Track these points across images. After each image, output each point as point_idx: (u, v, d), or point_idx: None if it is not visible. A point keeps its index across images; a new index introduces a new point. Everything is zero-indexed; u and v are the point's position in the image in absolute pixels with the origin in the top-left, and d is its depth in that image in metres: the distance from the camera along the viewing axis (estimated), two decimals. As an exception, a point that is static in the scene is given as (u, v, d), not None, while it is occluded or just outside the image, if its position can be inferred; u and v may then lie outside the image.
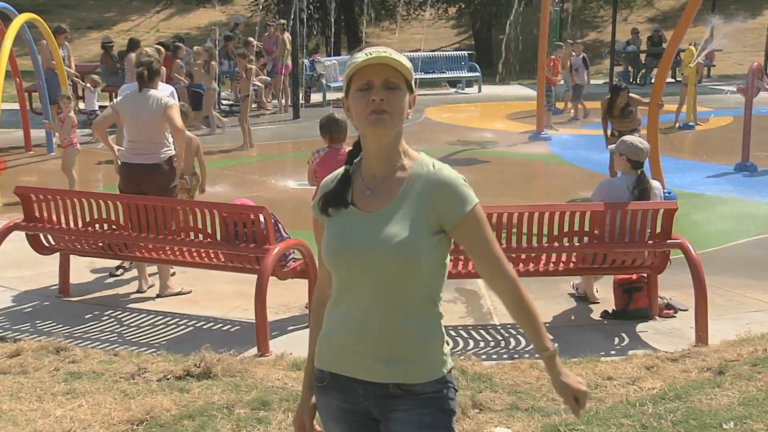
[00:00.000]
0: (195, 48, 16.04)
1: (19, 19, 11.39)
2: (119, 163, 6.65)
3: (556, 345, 2.30)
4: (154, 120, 6.38)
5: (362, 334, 2.23)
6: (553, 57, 15.39)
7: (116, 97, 7.71)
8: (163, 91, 6.65)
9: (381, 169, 2.27)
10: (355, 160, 2.33)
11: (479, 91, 21.04)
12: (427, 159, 2.30)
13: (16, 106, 13.64)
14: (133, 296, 6.54)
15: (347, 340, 2.25)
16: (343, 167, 2.33)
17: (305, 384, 2.44)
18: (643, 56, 23.23)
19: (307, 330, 2.52)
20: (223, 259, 5.93)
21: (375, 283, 2.20)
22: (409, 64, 2.23)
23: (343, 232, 2.25)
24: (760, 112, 11.58)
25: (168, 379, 4.68)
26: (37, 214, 6.19)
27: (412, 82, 2.25)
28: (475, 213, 2.23)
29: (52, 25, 13.43)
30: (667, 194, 8.37)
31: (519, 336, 5.69)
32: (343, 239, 2.24)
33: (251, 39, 17.36)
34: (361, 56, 2.18)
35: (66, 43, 14.30)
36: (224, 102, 18.27)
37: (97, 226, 6.08)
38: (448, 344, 2.31)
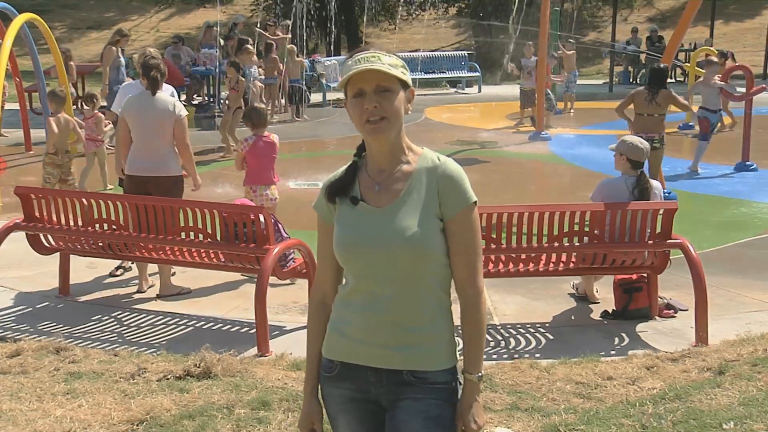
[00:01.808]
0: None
1: (19, 19, 11.39)
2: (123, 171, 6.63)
3: (482, 374, 2.31)
4: (163, 123, 6.33)
5: (377, 324, 2.28)
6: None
7: (116, 100, 7.72)
8: (165, 93, 6.64)
9: (387, 165, 2.32)
10: (364, 153, 2.37)
11: (479, 91, 21.07)
12: (431, 153, 2.36)
13: (15, 106, 13.65)
14: (133, 296, 6.54)
15: (362, 330, 2.30)
16: (349, 163, 2.38)
17: (309, 387, 2.44)
18: (642, 56, 23.25)
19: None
20: (223, 259, 5.93)
21: (390, 276, 2.26)
22: (399, 64, 2.28)
23: (355, 228, 2.30)
24: (760, 112, 11.58)
25: (168, 379, 4.68)
26: (37, 214, 6.19)
27: (407, 79, 2.29)
28: (472, 210, 2.31)
29: (52, 25, 13.44)
30: (667, 194, 8.38)
31: (519, 336, 5.69)
32: (357, 235, 2.28)
33: (249, 41, 17.38)
34: (351, 64, 2.24)
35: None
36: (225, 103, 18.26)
37: (97, 226, 6.08)
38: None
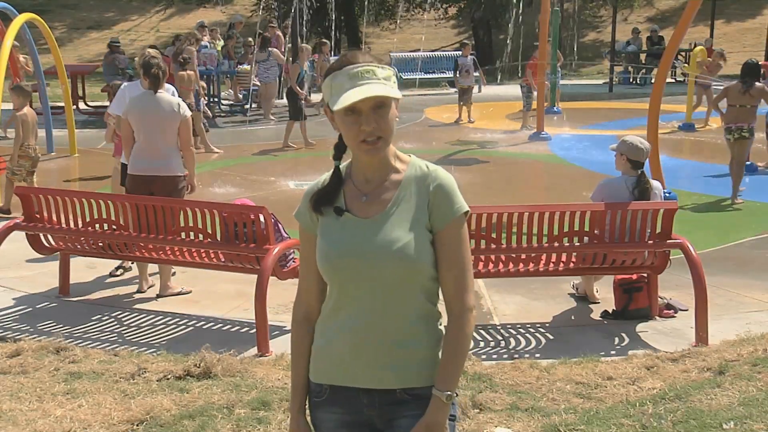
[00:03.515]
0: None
1: (19, 19, 11.40)
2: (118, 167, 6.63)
3: (452, 394, 2.17)
4: (167, 123, 6.32)
5: (366, 342, 2.19)
6: (536, 59, 15.42)
7: (114, 102, 7.72)
8: (168, 93, 6.62)
9: (374, 175, 2.23)
10: (344, 163, 2.28)
11: (479, 91, 21.04)
12: (420, 161, 2.27)
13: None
14: (133, 296, 6.54)
15: (349, 349, 2.21)
16: (332, 169, 2.29)
17: (296, 406, 2.34)
18: (642, 56, 23.25)
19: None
20: (223, 259, 5.93)
21: (377, 290, 2.18)
22: (391, 74, 2.16)
23: (340, 239, 2.20)
24: (760, 112, 11.56)
25: (168, 379, 4.68)
26: (37, 214, 6.19)
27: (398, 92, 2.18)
28: (463, 221, 2.21)
29: (52, 25, 13.45)
30: (667, 194, 8.38)
31: (519, 336, 5.69)
32: (343, 247, 2.19)
33: (251, 39, 17.45)
34: (345, 83, 2.11)
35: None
36: (224, 102, 18.28)
37: (97, 226, 6.08)
38: None
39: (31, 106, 9.34)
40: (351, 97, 2.09)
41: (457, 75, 16.41)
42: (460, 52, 16.82)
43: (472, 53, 16.35)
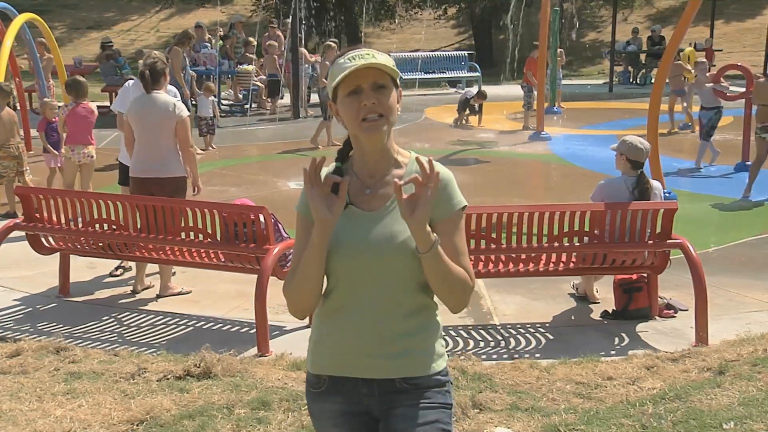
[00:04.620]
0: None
1: (19, 19, 11.41)
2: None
3: (438, 241, 2.15)
4: (165, 124, 6.27)
5: (367, 333, 2.24)
6: (533, 58, 15.37)
7: (117, 99, 7.72)
8: (169, 94, 6.59)
9: (377, 167, 2.28)
10: (346, 162, 2.31)
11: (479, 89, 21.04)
12: (420, 157, 2.30)
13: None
14: (133, 296, 6.54)
15: (350, 341, 2.25)
16: (333, 164, 2.31)
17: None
18: (642, 56, 23.26)
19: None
20: (223, 259, 5.93)
21: (379, 281, 2.22)
22: (392, 62, 2.24)
23: (345, 232, 2.24)
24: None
25: (168, 379, 4.68)
26: (37, 214, 6.19)
27: (397, 79, 2.26)
28: (461, 213, 2.28)
29: (52, 25, 13.45)
30: (667, 194, 8.38)
31: (519, 336, 5.69)
32: (347, 239, 2.23)
33: (251, 39, 17.47)
34: (345, 62, 2.19)
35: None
36: (224, 102, 18.29)
37: (97, 226, 6.08)
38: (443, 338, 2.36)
39: (11, 106, 9.19)
40: (349, 69, 2.16)
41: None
42: (474, 92, 16.45)
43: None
